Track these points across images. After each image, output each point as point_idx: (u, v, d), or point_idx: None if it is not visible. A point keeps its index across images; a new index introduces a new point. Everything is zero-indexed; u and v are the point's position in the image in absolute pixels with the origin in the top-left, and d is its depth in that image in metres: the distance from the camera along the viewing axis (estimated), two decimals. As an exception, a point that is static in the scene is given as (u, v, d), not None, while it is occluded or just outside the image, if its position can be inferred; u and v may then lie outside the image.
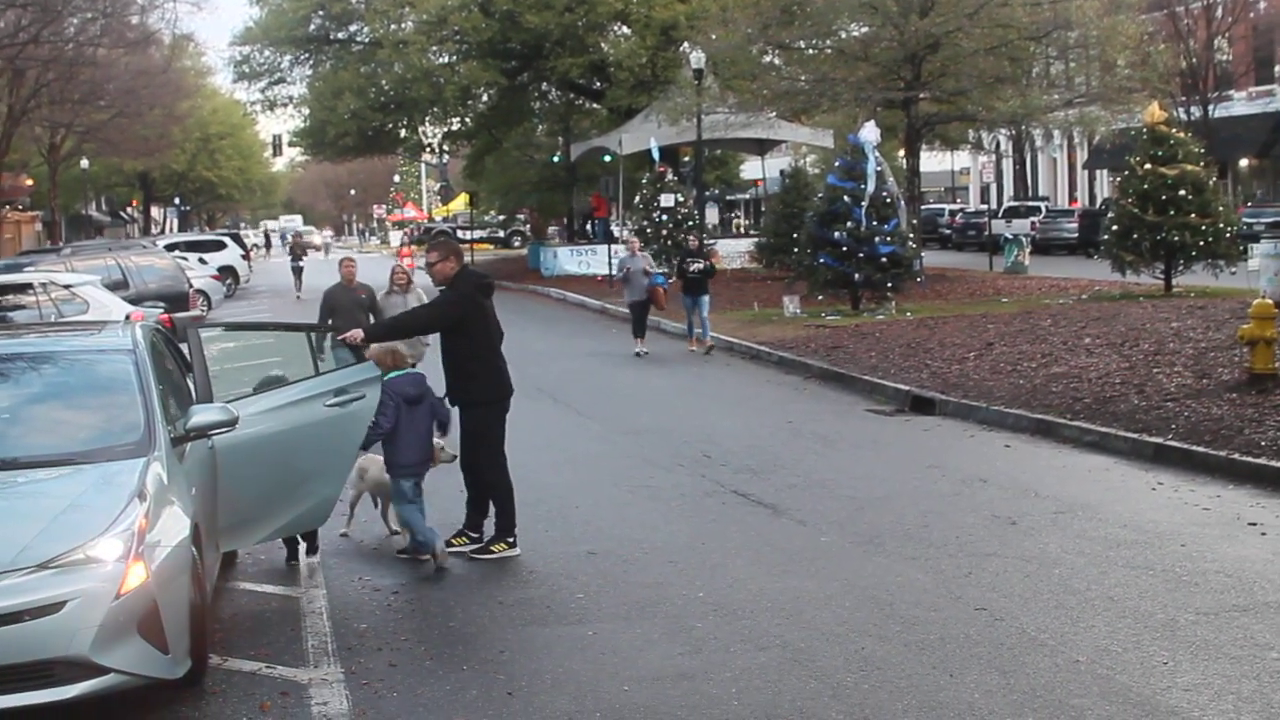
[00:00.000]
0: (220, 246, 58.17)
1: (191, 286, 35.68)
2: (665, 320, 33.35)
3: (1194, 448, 16.09)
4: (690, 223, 49.65)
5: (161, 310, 27.47)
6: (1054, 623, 10.23)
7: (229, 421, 10.37)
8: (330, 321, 19.17)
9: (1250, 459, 15.27)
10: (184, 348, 12.05)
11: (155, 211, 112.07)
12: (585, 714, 8.74)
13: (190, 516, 9.24)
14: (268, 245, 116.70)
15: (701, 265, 29.74)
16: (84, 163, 74.83)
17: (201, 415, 10.26)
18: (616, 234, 58.54)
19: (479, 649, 10.11)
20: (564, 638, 10.28)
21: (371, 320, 19.03)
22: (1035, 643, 9.79)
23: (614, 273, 28.51)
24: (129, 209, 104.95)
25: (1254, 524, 13.09)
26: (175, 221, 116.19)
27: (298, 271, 55.69)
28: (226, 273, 52.92)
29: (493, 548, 12.84)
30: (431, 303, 13.33)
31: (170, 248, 46.65)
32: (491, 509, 13.07)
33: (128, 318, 22.01)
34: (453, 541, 12.93)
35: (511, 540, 12.91)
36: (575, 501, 15.01)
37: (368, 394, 11.93)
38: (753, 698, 8.91)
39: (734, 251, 55.19)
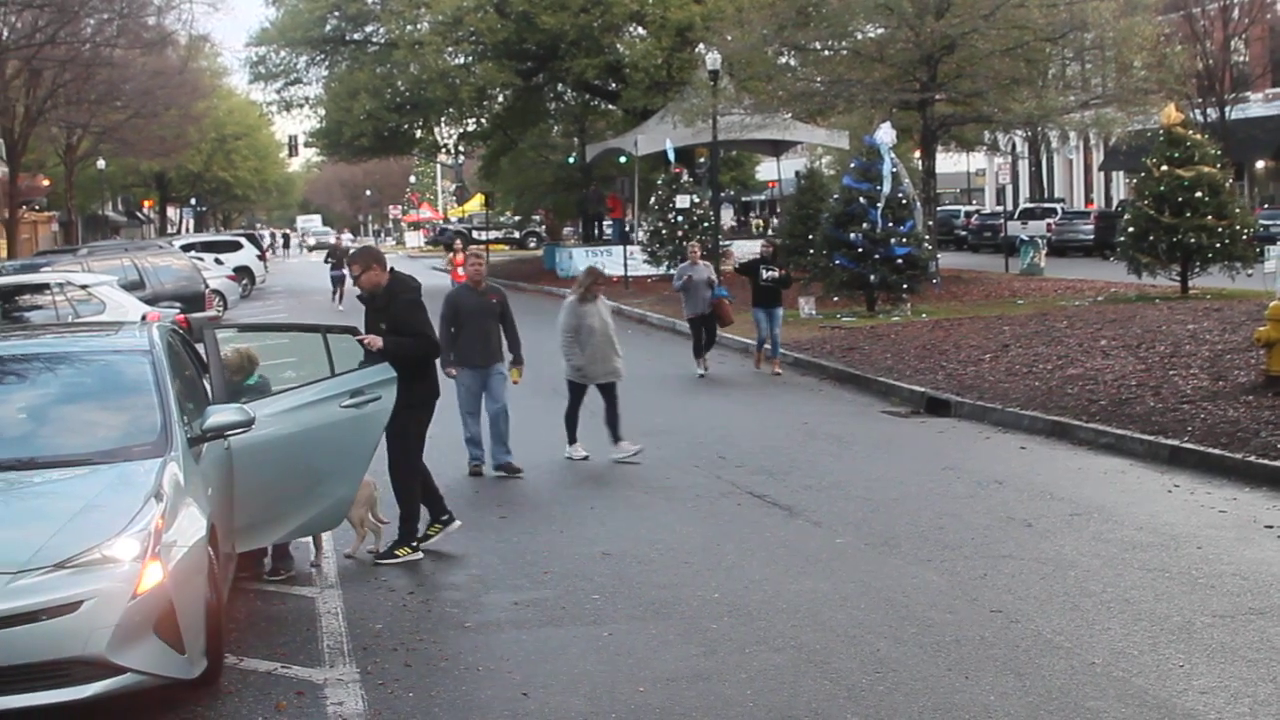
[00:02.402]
0: (236, 247, 58.25)
1: (207, 287, 35.75)
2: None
3: (1210, 450, 16.06)
4: (706, 224, 49.65)
5: (178, 311, 27.53)
6: (1070, 625, 10.22)
7: (245, 422, 10.40)
8: (453, 331, 16.71)
9: (1267, 461, 15.24)
10: (200, 348, 12.07)
11: (171, 212, 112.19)
12: (600, 715, 8.74)
13: (206, 517, 9.26)
14: (286, 244, 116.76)
15: (776, 274, 26.22)
16: (100, 163, 74.92)
17: (218, 416, 10.29)
18: (631, 235, 58.59)
19: (494, 649, 10.11)
20: (579, 638, 10.29)
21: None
22: (1051, 645, 9.78)
23: (673, 283, 27.19)
24: (145, 209, 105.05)
25: (1270, 527, 13.07)
26: (191, 222, 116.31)
27: (338, 280, 47.20)
28: (242, 273, 52.95)
29: (397, 551, 12.86)
30: (425, 321, 13.17)
31: (186, 248, 46.74)
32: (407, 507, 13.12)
33: (144, 318, 22.07)
34: (429, 533, 13.16)
35: (415, 545, 12.99)
36: (591, 502, 15.02)
37: (383, 395, 11.94)
38: (768, 699, 8.91)
39: (750, 252, 55.06)
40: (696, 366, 26.18)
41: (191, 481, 9.48)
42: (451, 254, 38.19)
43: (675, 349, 31.12)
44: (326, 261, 42.23)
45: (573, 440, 17.75)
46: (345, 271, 40.44)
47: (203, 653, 8.93)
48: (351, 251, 15.26)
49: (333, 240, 73.28)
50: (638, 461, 17.24)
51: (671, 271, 50.31)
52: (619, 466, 17.17)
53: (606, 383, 17.80)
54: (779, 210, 72.05)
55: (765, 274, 26.03)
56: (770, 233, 61.43)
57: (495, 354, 16.94)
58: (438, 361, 13.84)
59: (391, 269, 13.31)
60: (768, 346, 26.20)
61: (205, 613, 8.98)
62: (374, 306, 13.00)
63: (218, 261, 49.38)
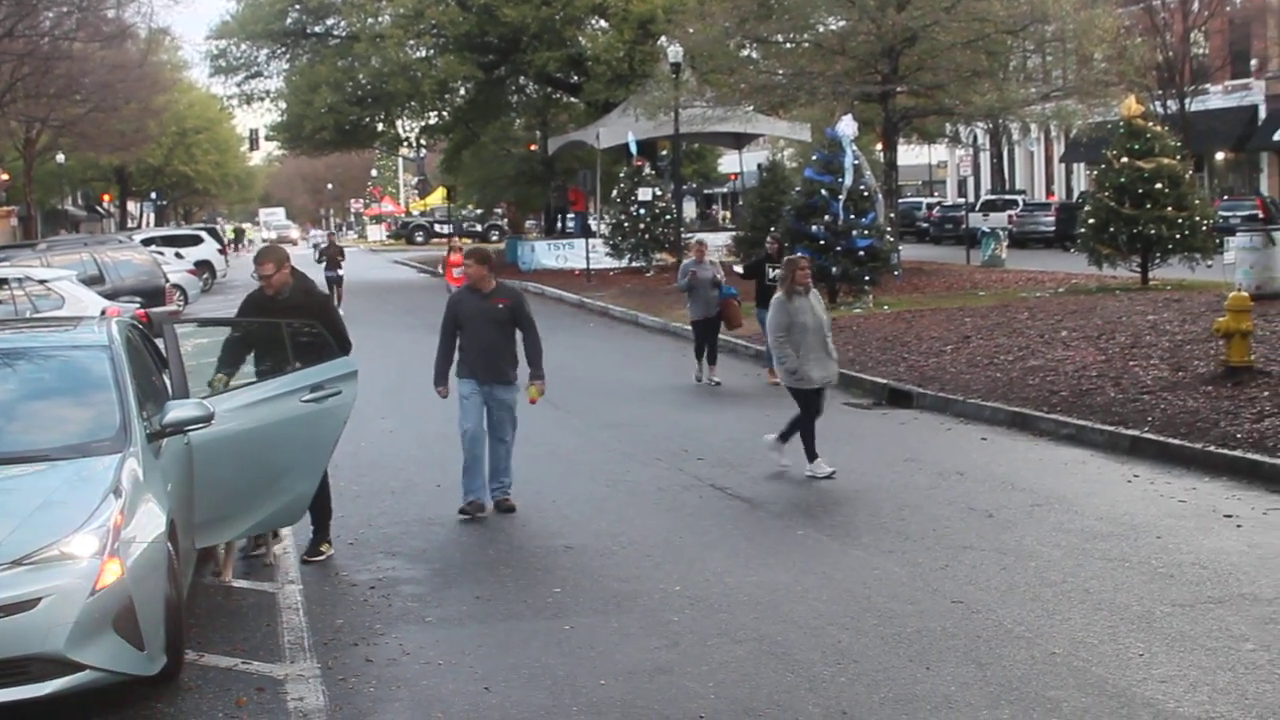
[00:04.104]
0: (197, 241, 57.98)
1: (168, 281, 35.58)
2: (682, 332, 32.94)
3: (1170, 440, 16.14)
4: (668, 217, 49.70)
5: (138, 305, 27.39)
6: (1030, 615, 10.25)
7: (205, 417, 10.35)
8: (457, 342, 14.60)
9: (1226, 451, 15.33)
10: (160, 343, 12.02)
11: (131, 206, 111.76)
12: (562, 709, 8.74)
13: (166, 512, 9.21)
14: (238, 241, 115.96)
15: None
16: (60, 157, 74.61)
17: (177, 411, 10.23)
18: (594, 228, 58.56)
19: (455, 643, 10.10)
20: (541, 632, 10.28)
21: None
22: (1011, 635, 9.81)
23: (677, 281, 25.05)
24: (105, 203, 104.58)
25: (1229, 516, 13.14)
26: (152, 216, 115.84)
27: (335, 281, 41.63)
28: (203, 267, 52.72)
29: (321, 548, 12.77)
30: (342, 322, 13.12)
31: (147, 242, 46.47)
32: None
33: (103, 313, 21.94)
34: (322, 550, 12.78)
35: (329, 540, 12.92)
36: (552, 496, 15.00)
37: (344, 390, 11.91)
38: (729, 691, 8.92)
39: (712, 245, 55.13)
40: (696, 372, 24.05)
41: (151, 477, 9.43)
42: (447, 253, 35.35)
43: (639, 342, 31.21)
44: (319, 261, 39.25)
45: (813, 456, 15.74)
46: (342, 273, 39.06)
47: (163, 649, 8.89)
48: (259, 250, 13.59)
49: (320, 238, 71.77)
50: (833, 477, 15.42)
51: (636, 264, 50.62)
52: (583, 460, 17.14)
53: (820, 388, 16.04)
54: (741, 203, 72.08)
55: (772, 273, 23.01)
56: (729, 225, 61.31)
57: (500, 371, 14.31)
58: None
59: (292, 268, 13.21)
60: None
61: (165, 609, 8.93)
62: (279, 306, 12.70)
63: (178, 256, 49.18)
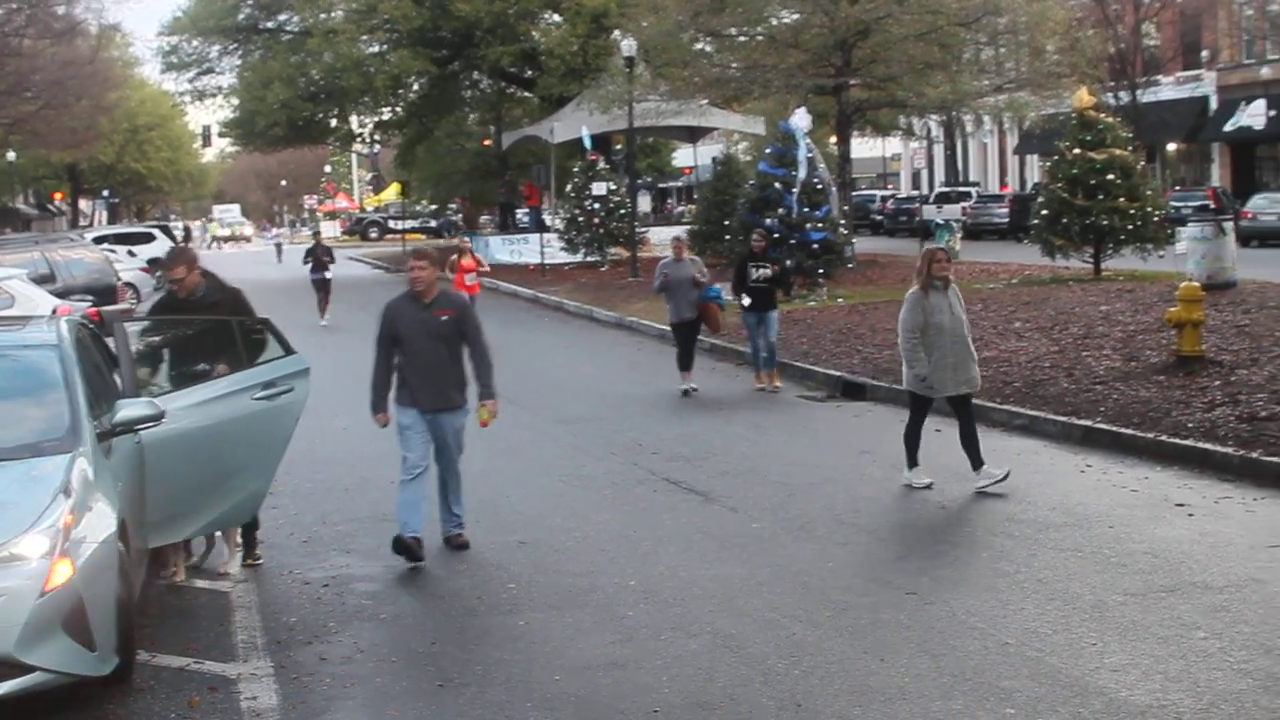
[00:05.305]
0: (150, 239, 57.61)
1: (120, 280, 35.35)
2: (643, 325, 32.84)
3: (1122, 430, 16.23)
4: (623, 211, 49.70)
5: (89, 304, 27.20)
6: (983, 606, 10.29)
7: (155, 416, 10.29)
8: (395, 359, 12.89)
9: (1178, 440, 15.41)
10: (110, 342, 11.93)
11: (84, 204, 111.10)
12: (517, 704, 8.73)
13: (117, 512, 9.16)
14: (187, 239, 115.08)
15: (768, 271, 22.15)
16: (10, 155, 74.08)
17: (128, 410, 10.16)
18: (548, 223, 58.48)
19: (409, 641, 10.08)
20: (495, 628, 10.27)
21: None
22: (965, 626, 9.85)
23: (653, 284, 23.41)
24: (57, 202, 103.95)
25: (1181, 505, 13.22)
26: (104, 214, 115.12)
27: (321, 285, 36.31)
28: (156, 265, 52.39)
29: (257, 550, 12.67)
30: None
31: (99, 240, 46.19)
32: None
33: (54, 312, 21.79)
34: (258, 554, 12.61)
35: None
36: (506, 491, 14.99)
37: (296, 387, 11.85)
38: (684, 685, 8.92)
39: (666, 238, 55.16)
40: (681, 382, 22.03)
41: (101, 477, 9.36)
42: (455, 255, 30.56)
43: (593, 337, 31.23)
44: (305, 262, 36.81)
45: (914, 463, 14.62)
46: (329, 275, 36.33)
47: (114, 649, 8.83)
48: (168, 254, 13.02)
49: (279, 236, 70.50)
50: (1004, 493, 13.96)
51: (591, 259, 50.58)
52: (537, 455, 17.12)
53: (959, 395, 14.54)
54: (696, 196, 72.13)
55: (756, 272, 21.99)
56: (686, 219, 61.25)
57: (446, 396, 12.55)
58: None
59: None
60: (765, 355, 22.19)
61: (116, 609, 8.87)
62: (193, 307, 12.48)
63: (131, 254, 48.87)
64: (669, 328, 23.68)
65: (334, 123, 68.91)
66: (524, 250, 55.67)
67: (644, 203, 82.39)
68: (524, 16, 59.16)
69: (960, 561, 11.55)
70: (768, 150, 36.95)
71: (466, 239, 35.90)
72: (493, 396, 12.64)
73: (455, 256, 30.02)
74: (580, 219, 50.46)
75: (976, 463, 14.23)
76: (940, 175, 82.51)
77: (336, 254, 39.19)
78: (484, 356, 12.67)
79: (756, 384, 22.12)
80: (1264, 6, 62.05)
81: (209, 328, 12.67)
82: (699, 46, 48.02)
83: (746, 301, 21.76)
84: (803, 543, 12.42)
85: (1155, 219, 33.57)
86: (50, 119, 62.26)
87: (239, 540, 12.49)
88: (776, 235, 33.56)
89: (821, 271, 34.43)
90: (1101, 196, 32.83)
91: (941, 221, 51.78)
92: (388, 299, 13.07)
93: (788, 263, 26.29)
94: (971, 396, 14.71)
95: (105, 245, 44.40)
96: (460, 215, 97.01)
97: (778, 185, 34.59)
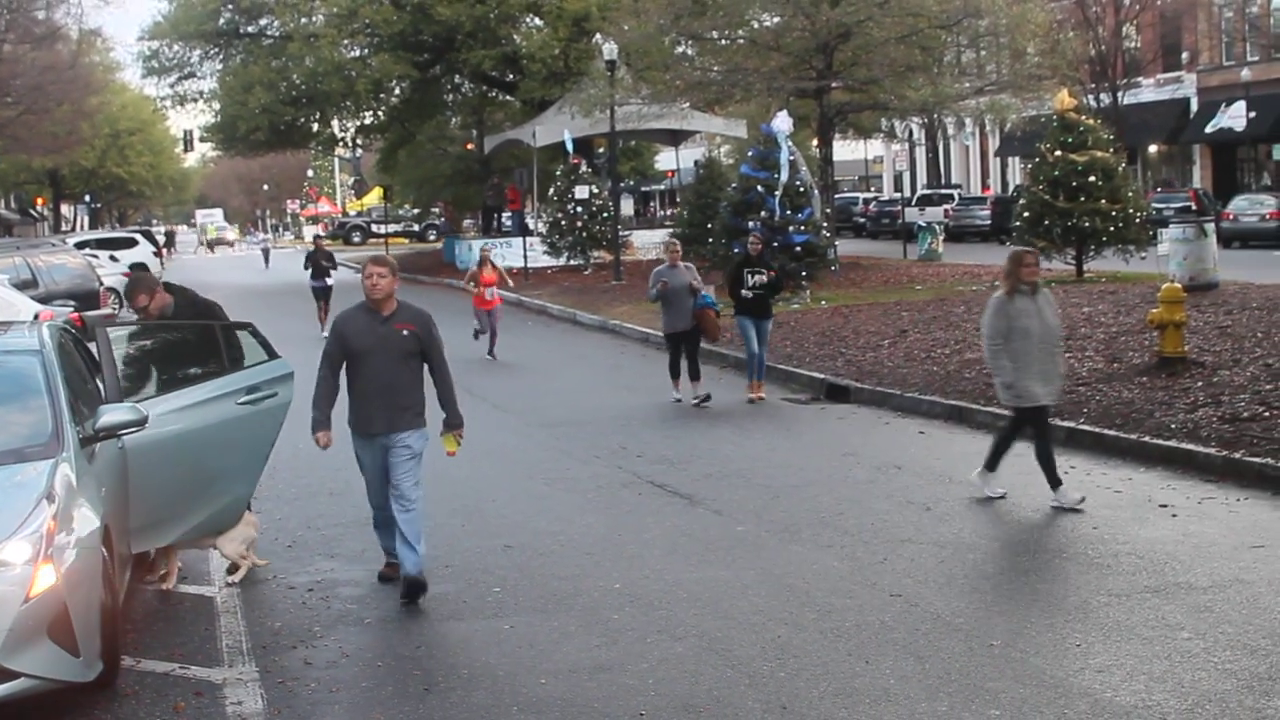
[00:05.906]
0: (132, 244, 57.53)
1: (102, 284, 35.30)
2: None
3: (1105, 431, 16.27)
4: (605, 214, 49.70)
5: (71, 309, 27.14)
6: (968, 607, 10.31)
7: (138, 421, 10.25)
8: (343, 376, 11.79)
9: (1161, 441, 15.46)
10: (93, 347, 11.90)
11: (65, 209, 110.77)
12: (502, 708, 8.72)
13: (100, 518, 9.13)
14: (169, 244, 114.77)
15: (764, 277, 21.38)
16: (-9, 161, 73.93)
17: (111, 415, 10.13)
18: (531, 226, 58.44)
19: (394, 645, 10.07)
20: (481, 632, 10.26)
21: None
22: (950, 627, 9.86)
23: (648, 291, 22.31)
24: (38, 207, 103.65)
25: (1165, 506, 13.25)
26: (86, 219, 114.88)
27: (322, 294, 34.41)
28: (138, 270, 52.30)
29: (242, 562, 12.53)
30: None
31: (81, 245, 46.12)
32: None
33: (36, 317, 21.74)
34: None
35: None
36: (491, 495, 14.97)
37: (280, 392, 11.82)
38: (669, 688, 8.92)
39: (650, 242, 55.23)
40: (673, 390, 21.46)
41: (84, 482, 9.34)
42: (478, 265, 28.42)
43: (577, 340, 31.22)
44: (306, 268, 35.39)
45: (993, 467, 14.12)
46: (330, 282, 34.63)
47: (98, 655, 8.82)
48: (127, 285, 12.76)
49: (266, 241, 70.03)
50: (1082, 509, 13.27)
51: (574, 263, 50.56)
52: (522, 458, 17.10)
53: (1040, 406, 13.90)
54: (678, 200, 72.16)
55: (751, 279, 21.24)
56: (669, 223, 61.25)
57: (402, 418, 11.33)
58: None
59: (166, 284, 13.07)
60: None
61: (100, 615, 8.86)
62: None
63: (113, 259, 48.80)
64: (663, 337, 22.77)
65: (315, 127, 68.85)
66: (507, 254, 55.46)
67: (627, 206, 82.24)
68: (505, 20, 59.15)
69: (945, 563, 11.55)
70: (750, 153, 37.02)
71: (489, 245, 34.57)
72: (460, 424, 11.61)
73: (475, 268, 28.33)
74: (563, 222, 50.50)
75: (1054, 482, 13.61)
76: (922, 178, 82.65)
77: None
78: (448, 379, 11.56)
79: (748, 394, 21.34)
80: (1243, 9, 62.25)
81: (192, 333, 12.65)
82: (680, 50, 48.09)
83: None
84: (787, 545, 12.43)
85: (1137, 220, 33.61)
86: (31, 124, 62.02)
87: (256, 559, 12.40)
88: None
89: (804, 274, 34.45)
90: (1083, 198, 32.86)
91: (924, 224, 51.85)
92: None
93: (782, 268, 25.71)
94: (1048, 409, 14.16)
95: (87, 250, 44.37)
96: (443, 219, 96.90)
97: (760, 188, 34.64)
